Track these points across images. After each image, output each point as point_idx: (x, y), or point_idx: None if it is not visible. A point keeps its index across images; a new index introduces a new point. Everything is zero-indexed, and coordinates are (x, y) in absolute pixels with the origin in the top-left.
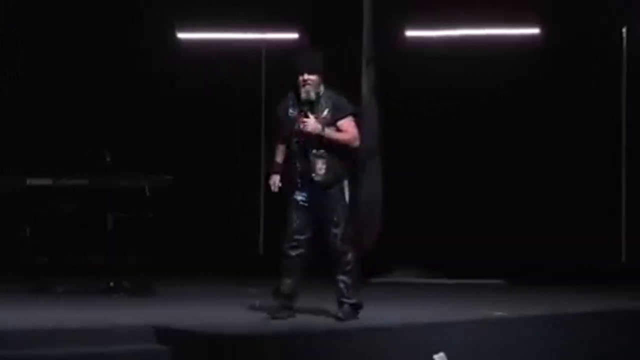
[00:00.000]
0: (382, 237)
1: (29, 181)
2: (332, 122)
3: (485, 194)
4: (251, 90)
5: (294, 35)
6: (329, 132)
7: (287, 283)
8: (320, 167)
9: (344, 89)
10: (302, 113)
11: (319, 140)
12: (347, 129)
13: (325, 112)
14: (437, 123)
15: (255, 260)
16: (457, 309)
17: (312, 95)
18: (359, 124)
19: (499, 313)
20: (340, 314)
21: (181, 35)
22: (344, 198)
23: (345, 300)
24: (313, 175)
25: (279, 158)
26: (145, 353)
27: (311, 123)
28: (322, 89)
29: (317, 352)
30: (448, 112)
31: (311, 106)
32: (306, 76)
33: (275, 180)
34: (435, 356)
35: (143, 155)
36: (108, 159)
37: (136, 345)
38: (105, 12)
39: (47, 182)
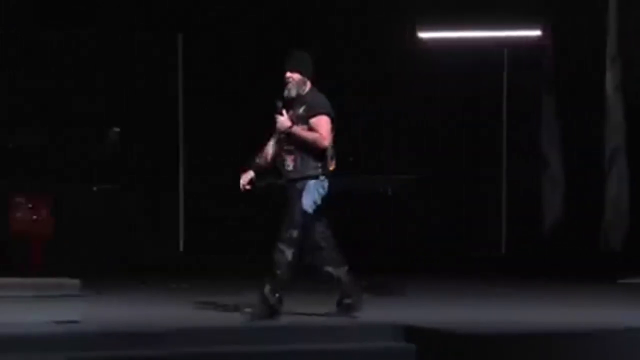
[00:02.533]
0: (631, 237)
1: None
2: (305, 120)
3: None
4: (492, 90)
5: (537, 33)
6: (296, 130)
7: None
8: (289, 163)
9: (587, 88)
10: (278, 110)
11: (289, 137)
12: (317, 128)
13: (301, 110)
14: None
15: (497, 260)
16: None
17: (293, 93)
18: (332, 126)
19: None
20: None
21: (422, 34)
22: (300, 201)
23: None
24: (283, 171)
25: (262, 155)
26: (393, 350)
27: (281, 120)
28: (306, 88)
29: (575, 352)
30: None
31: (292, 104)
32: (288, 74)
33: (246, 178)
34: None
35: (386, 155)
36: (351, 159)
37: (384, 342)
38: (346, 12)
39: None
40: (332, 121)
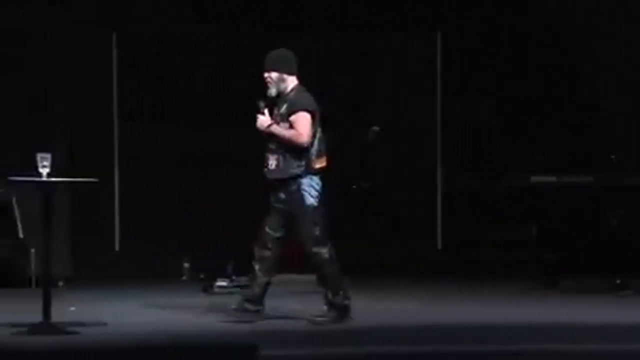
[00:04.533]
0: None
1: (533, 179)
2: (286, 118)
3: None
4: None
5: None
6: (275, 128)
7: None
8: (271, 162)
9: None
10: (260, 110)
11: (271, 137)
12: (295, 125)
13: (283, 109)
14: None
15: None
16: None
17: (273, 92)
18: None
19: None
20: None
21: None
22: (304, 200)
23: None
24: (265, 170)
25: None
26: None
27: (260, 119)
28: (288, 85)
29: None
30: None
31: (275, 102)
32: (265, 74)
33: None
34: None
35: None
36: (613, 157)
37: None
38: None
39: (551, 179)
40: (314, 118)
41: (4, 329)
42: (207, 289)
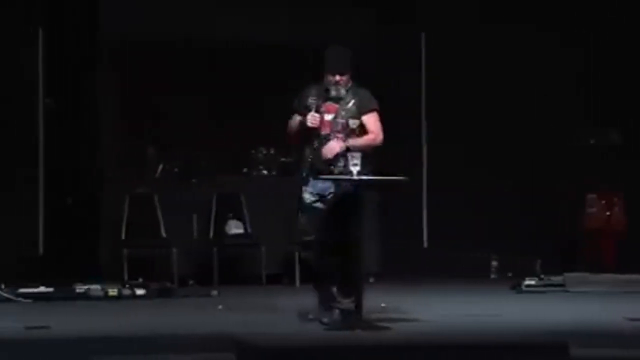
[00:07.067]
0: None
1: None
2: (357, 115)
3: None
4: None
5: None
6: (352, 143)
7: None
8: (356, 162)
9: None
10: (312, 109)
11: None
12: (370, 127)
13: (351, 104)
14: None
15: None
16: None
17: (342, 92)
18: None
19: None
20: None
21: None
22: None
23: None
24: (351, 169)
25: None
26: None
27: (332, 146)
28: (350, 83)
29: None
30: None
31: (338, 100)
32: (338, 77)
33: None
34: None
35: None
36: None
37: None
38: None
39: None
40: (380, 115)
41: (317, 325)
42: (516, 287)
